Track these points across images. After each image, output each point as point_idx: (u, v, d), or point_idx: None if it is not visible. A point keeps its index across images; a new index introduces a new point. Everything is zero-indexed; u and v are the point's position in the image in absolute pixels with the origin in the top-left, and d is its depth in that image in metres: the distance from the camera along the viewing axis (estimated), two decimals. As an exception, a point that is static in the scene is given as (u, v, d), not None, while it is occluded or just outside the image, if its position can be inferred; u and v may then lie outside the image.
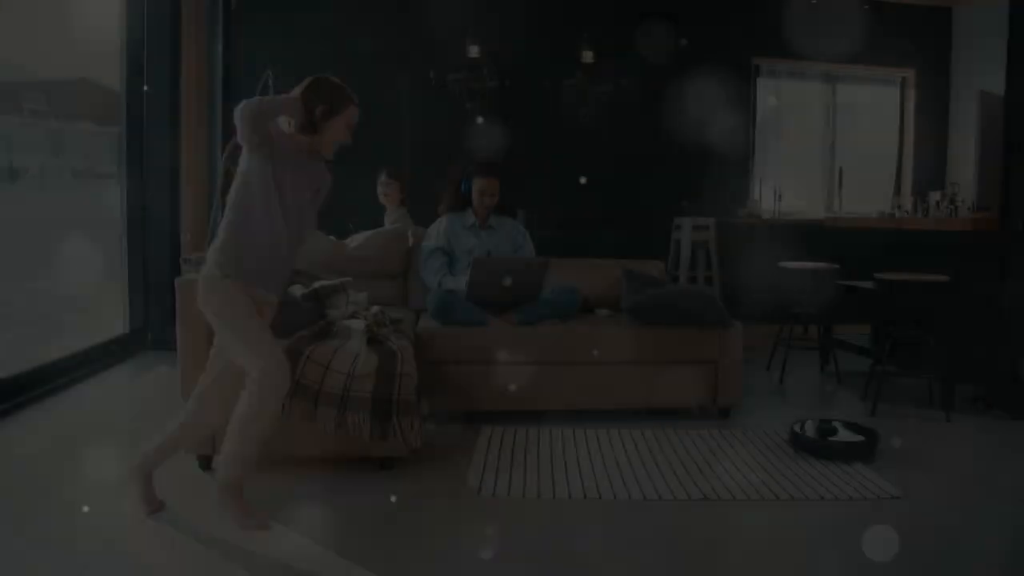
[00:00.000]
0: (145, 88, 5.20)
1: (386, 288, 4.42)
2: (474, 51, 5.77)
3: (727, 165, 6.91)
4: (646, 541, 2.51)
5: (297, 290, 3.46)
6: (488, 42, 5.81)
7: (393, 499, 2.81)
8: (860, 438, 3.41)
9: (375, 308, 3.47)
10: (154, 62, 5.26)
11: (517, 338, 3.85)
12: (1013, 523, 2.76)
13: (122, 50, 5.25)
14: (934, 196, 6.28)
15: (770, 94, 7.15)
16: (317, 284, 3.47)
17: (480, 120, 5.99)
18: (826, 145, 7.24)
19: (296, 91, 2.68)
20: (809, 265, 4.92)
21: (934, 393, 4.31)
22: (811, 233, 6.55)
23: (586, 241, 5.83)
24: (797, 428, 3.49)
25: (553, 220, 6.33)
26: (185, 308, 2.97)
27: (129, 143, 5.30)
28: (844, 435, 3.46)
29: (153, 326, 5.33)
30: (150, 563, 2.30)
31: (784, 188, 7.02)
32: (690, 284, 5.95)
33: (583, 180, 6.36)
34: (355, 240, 4.45)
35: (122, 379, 4.62)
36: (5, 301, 6.80)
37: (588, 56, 5.90)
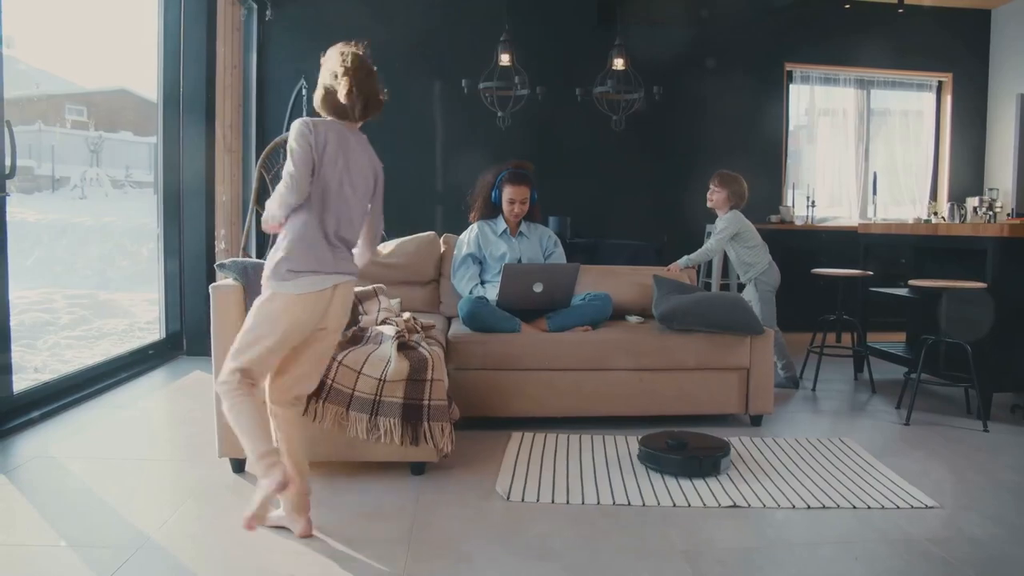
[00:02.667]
0: (180, 95, 5.30)
1: (418, 294, 4.45)
2: (505, 59, 5.79)
3: (759, 171, 6.87)
4: (675, 549, 2.50)
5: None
6: (519, 50, 5.84)
7: (423, 504, 2.83)
8: (702, 454, 3.16)
9: (407, 314, 3.50)
10: (190, 72, 5.36)
11: (548, 344, 3.85)
12: (1052, 534, 2.70)
13: (158, 60, 5.36)
14: (972, 202, 6.20)
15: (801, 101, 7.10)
16: (349, 290, 3.50)
17: (511, 128, 6.01)
18: (860, 151, 7.16)
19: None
20: (842, 272, 4.87)
21: (971, 402, 4.24)
22: (844, 239, 6.49)
23: (617, 249, 5.82)
24: (643, 441, 3.30)
25: (585, 227, 6.35)
26: (219, 313, 3.02)
27: (165, 151, 5.41)
28: (692, 450, 3.19)
29: (189, 332, 5.42)
30: (183, 565, 2.34)
31: (817, 194, 6.96)
32: (722, 291, 5.91)
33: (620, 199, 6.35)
34: (387, 247, 4.49)
35: (156, 385, 4.70)
36: (47, 307, 6.95)
37: (619, 63, 5.90)
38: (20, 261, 8.45)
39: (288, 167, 2.43)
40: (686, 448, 3.20)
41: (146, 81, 5.59)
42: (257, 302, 2.48)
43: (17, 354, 5.51)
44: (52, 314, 6.75)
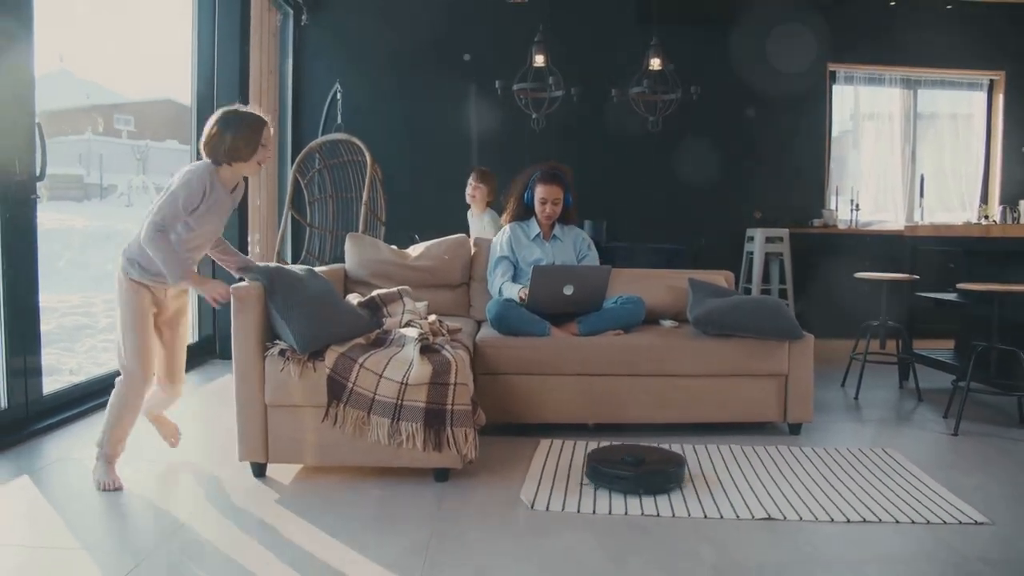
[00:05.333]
0: (215, 100, 5.31)
1: (448, 297, 4.39)
2: (540, 60, 5.72)
3: (802, 174, 6.71)
4: (705, 563, 2.38)
5: (354, 298, 3.46)
6: (554, 51, 5.76)
7: (444, 512, 2.75)
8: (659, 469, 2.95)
9: (432, 317, 3.43)
10: (224, 77, 5.38)
11: (579, 349, 3.76)
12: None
13: (192, 66, 5.38)
14: (1025, 204, 5.95)
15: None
16: (374, 292, 3.45)
17: (545, 130, 5.93)
18: (907, 153, 6.93)
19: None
20: (887, 276, 4.68)
21: (1024, 412, 4.04)
22: (890, 243, 6.28)
23: (653, 253, 5.69)
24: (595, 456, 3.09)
25: (621, 231, 6.23)
26: (241, 315, 2.98)
27: (200, 157, 5.41)
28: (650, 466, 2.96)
29: (221, 336, 5.43)
30: (196, 569, 2.29)
31: (862, 198, 6.76)
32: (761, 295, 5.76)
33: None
34: (416, 249, 4.44)
35: (186, 388, 4.67)
36: (86, 311, 7.05)
37: (656, 63, 5.78)
38: (61, 266, 8.60)
39: None
40: (642, 464, 2.95)
41: (187, 90, 5.63)
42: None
43: (54, 356, 5.59)
44: (91, 318, 6.83)
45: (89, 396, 4.09)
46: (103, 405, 4.03)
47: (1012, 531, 2.65)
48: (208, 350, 5.45)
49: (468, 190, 5.40)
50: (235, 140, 2.90)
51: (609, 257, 4.84)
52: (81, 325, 6.56)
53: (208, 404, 4.42)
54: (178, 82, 6.58)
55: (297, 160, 5.67)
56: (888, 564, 2.40)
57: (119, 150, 12.54)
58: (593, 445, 3.51)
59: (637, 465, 2.93)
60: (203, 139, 2.95)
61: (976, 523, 2.69)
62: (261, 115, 3.01)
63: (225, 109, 2.99)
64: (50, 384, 3.89)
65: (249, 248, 5.56)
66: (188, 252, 2.98)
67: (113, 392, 2.99)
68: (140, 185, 12.18)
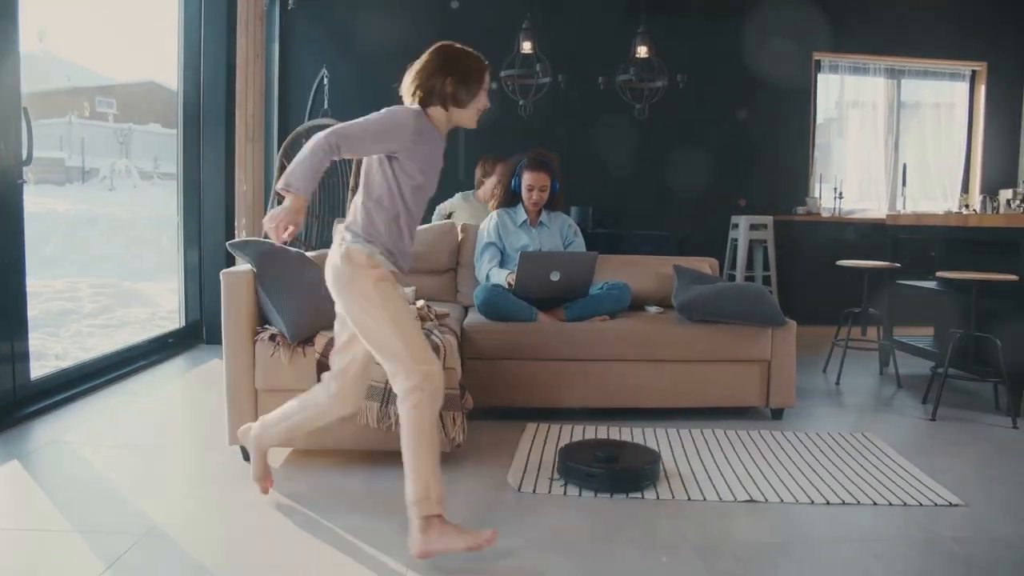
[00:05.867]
0: (201, 84, 5.30)
1: (435, 283, 4.42)
2: (527, 47, 5.73)
3: (786, 162, 6.76)
4: (690, 544, 2.44)
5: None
6: (541, 38, 5.77)
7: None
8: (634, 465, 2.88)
9: (420, 302, 3.46)
10: (210, 61, 5.36)
11: (565, 334, 3.80)
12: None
13: (178, 50, 5.36)
14: (1005, 194, 6.03)
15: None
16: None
17: (533, 117, 5.95)
18: (890, 142, 7.01)
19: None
20: (869, 264, 4.75)
21: (1000, 398, 4.12)
22: (872, 231, 6.36)
23: (639, 239, 5.74)
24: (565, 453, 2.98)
25: (607, 218, 6.27)
26: (231, 300, 3.00)
27: (186, 142, 5.42)
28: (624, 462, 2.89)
29: (208, 321, 5.44)
30: (188, 552, 2.32)
31: (845, 186, 6.83)
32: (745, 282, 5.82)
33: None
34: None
35: (174, 373, 4.71)
36: (71, 296, 7.02)
37: (643, 51, 5.81)
38: (46, 251, 8.55)
39: None
40: (615, 461, 2.87)
41: (173, 73, 5.61)
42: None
43: (39, 342, 5.57)
44: (75, 302, 6.81)
45: (77, 381, 4.10)
46: (92, 390, 4.07)
47: (985, 513, 2.72)
48: (195, 335, 5.45)
49: (489, 186, 5.13)
50: (456, 85, 2.41)
51: (595, 243, 4.88)
52: (66, 310, 6.54)
53: (195, 389, 4.44)
54: (162, 65, 6.55)
55: (283, 145, 5.65)
56: (866, 544, 2.47)
57: (101, 133, 12.42)
58: (579, 429, 3.57)
59: (609, 462, 2.86)
60: (413, 78, 2.45)
61: (951, 505, 2.76)
62: (481, 57, 2.51)
63: (442, 45, 2.50)
64: (37, 369, 3.89)
65: (236, 234, 5.56)
66: (410, 228, 2.50)
67: (405, 419, 2.28)
68: (123, 169, 12.08)
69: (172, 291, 5.81)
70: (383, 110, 2.41)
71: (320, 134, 2.30)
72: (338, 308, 2.46)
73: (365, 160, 2.46)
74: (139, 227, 10.30)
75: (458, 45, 2.51)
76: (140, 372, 4.59)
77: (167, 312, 6.73)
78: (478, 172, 5.28)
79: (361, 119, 2.38)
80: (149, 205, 10.49)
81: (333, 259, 2.39)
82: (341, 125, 2.34)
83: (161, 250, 9.36)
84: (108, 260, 9.35)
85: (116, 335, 6.15)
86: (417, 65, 2.48)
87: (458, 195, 5.33)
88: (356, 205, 2.44)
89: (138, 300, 7.45)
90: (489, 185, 5.19)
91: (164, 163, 11.55)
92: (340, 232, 2.43)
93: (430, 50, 2.50)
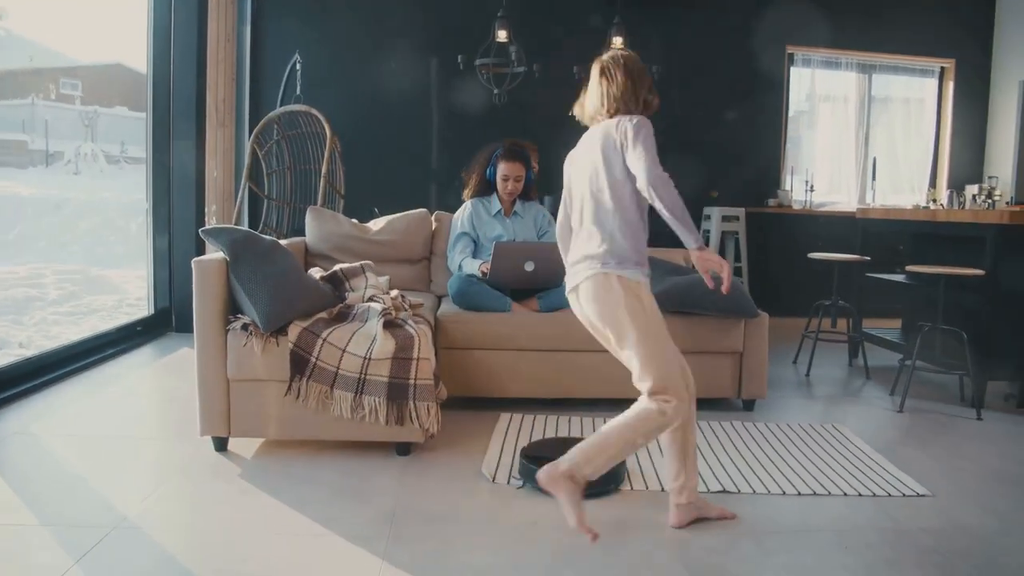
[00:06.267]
0: (171, 67, 5.21)
1: (408, 272, 4.40)
2: (502, 36, 5.70)
3: (758, 154, 6.81)
4: (663, 534, 2.46)
5: (317, 272, 3.45)
6: (517, 26, 5.75)
7: (407, 485, 2.78)
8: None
9: (394, 292, 3.44)
10: (181, 44, 5.27)
11: (539, 324, 3.80)
12: (1045, 524, 2.66)
13: (148, 32, 5.26)
14: (971, 190, 6.13)
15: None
16: (337, 266, 3.45)
17: (507, 106, 5.93)
18: (860, 136, 7.09)
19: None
20: (839, 256, 4.81)
21: (965, 390, 4.20)
22: (842, 224, 6.43)
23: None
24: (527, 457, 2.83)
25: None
26: (203, 288, 2.96)
27: (155, 126, 5.32)
28: None
29: (177, 309, 5.36)
30: (160, 544, 2.29)
31: (816, 179, 6.90)
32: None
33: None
34: (378, 224, 4.43)
35: (142, 362, 4.65)
36: (35, 283, 6.89)
37: (618, 42, 5.80)
38: (9, 236, 8.38)
39: None
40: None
41: (140, 55, 5.50)
42: (629, 309, 2.39)
43: (3, 329, 5.47)
44: (40, 289, 6.68)
45: (43, 370, 4.02)
46: (58, 379, 4.00)
47: (951, 502, 2.77)
48: (164, 322, 5.38)
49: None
50: (648, 92, 2.56)
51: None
52: (31, 297, 6.41)
53: (165, 378, 4.38)
54: (129, 46, 6.41)
55: (255, 131, 5.59)
56: (836, 534, 2.50)
57: (66, 116, 12.17)
58: (552, 419, 3.58)
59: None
60: (615, 93, 2.53)
61: (918, 495, 2.81)
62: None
63: (614, 55, 2.59)
64: (0, 358, 3.81)
65: (206, 220, 5.49)
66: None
67: (636, 415, 2.38)
68: (89, 153, 11.86)
69: (140, 278, 5.73)
70: (641, 129, 2.43)
71: (662, 189, 2.36)
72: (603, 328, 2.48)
73: (608, 185, 2.48)
74: (106, 212, 10.13)
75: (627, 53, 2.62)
76: (108, 361, 4.51)
77: (135, 299, 6.63)
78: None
79: (642, 147, 2.40)
80: (116, 190, 10.32)
81: (611, 290, 2.41)
82: (647, 167, 2.38)
83: (129, 236, 9.22)
84: (74, 246, 9.18)
85: (83, 323, 6.05)
86: (620, 79, 2.54)
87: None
88: (607, 231, 2.45)
89: (105, 287, 7.32)
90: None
91: (131, 147, 11.34)
92: (596, 258, 2.44)
93: (618, 65, 2.56)
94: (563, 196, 2.71)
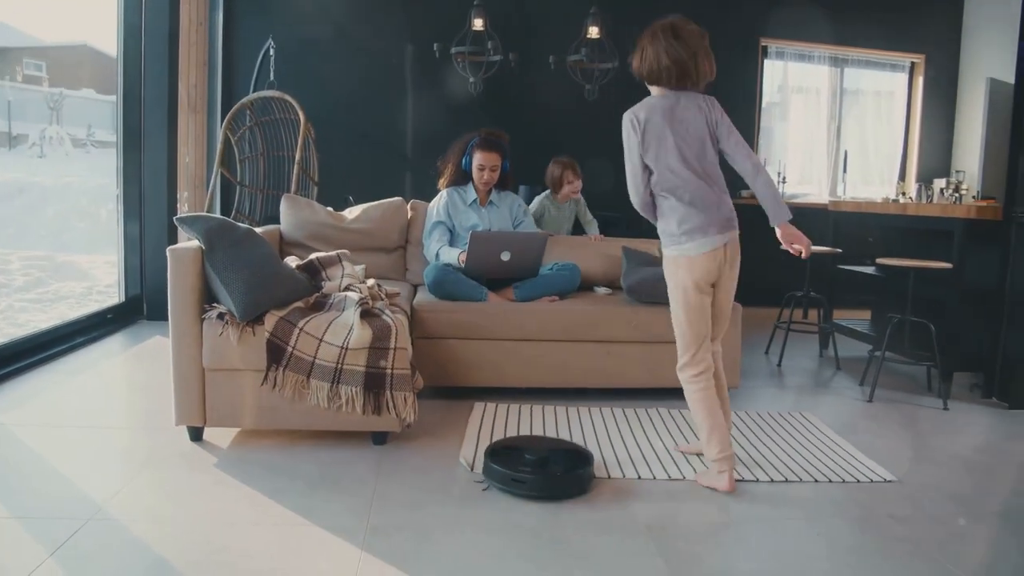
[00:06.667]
0: (143, 51, 5.13)
1: (384, 261, 4.39)
2: (479, 24, 5.68)
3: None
4: (639, 523, 2.49)
5: (293, 260, 3.43)
6: (493, 15, 5.73)
7: (384, 474, 2.79)
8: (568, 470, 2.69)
9: (371, 281, 3.43)
10: (152, 28, 5.19)
11: (515, 314, 3.81)
12: (1006, 510, 2.73)
13: (118, 14, 5.17)
14: (939, 183, 6.22)
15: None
16: (313, 255, 3.43)
17: (483, 95, 5.92)
18: (832, 128, 7.17)
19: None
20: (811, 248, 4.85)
21: (932, 380, 4.29)
22: (814, 217, 6.50)
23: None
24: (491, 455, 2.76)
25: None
26: (178, 277, 2.93)
27: (126, 111, 5.24)
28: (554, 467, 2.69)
29: (149, 296, 5.30)
30: (136, 536, 2.28)
31: (788, 171, 6.97)
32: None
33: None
34: (353, 212, 4.41)
35: (114, 350, 4.59)
36: (2, 269, 6.76)
37: (594, 32, 5.81)
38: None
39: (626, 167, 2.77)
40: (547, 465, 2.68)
41: (109, 37, 5.41)
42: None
43: (-32, 316, 5.37)
44: (6, 276, 6.56)
45: (10, 359, 3.97)
46: (26, 368, 3.94)
47: (917, 488, 2.84)
48: (136, 310, 5.31)
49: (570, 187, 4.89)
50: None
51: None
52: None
53: (137, 367, 4.33)
54: (96, 27, 6.29)
55: (228, 116, 5.52)
56: (806, 520, 2.55)
57: (30, 97, 11.91)
58: (526, 408, 3.60)
59: (538, 467, 2.66)
60: (708, 72, 2.83)
61: (885, 481, 2.88)
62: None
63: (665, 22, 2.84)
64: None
65: (178, 207, 5.42)
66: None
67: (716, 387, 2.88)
68: (54, 136, 11.63)
69: (110, 264, 5.64)
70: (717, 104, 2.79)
71: (762, 169, 2.80)
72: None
73: (713, 157, 2.79)
74: (72, 197, 9.95)
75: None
76: (78, 349, 4.45)
77: (105, 287, 6.54)
78: (556, 172, 4.89)
79: (730, 125, 2.80)
80: (83, 174, 10.13)
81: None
82: (745, 146, 2.78)
83: (97, 222, 9.07)
84: (40, 232, 9.02)
85: (51, 310, 5.95)
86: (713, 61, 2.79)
87: (543, 197, 5.06)
88: (722, 197, 2.80)
89: (73, 274, 7.21)
90: (568, 190, 4.87)
91: (98, 130, 11.14)
92: (734, 219, 2.88)
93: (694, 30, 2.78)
94: (649, 151, 2.75)
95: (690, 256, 2.74)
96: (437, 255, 4.11)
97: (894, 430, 3.59)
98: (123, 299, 5.29)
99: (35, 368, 4.01)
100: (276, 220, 4.38)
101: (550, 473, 2.65)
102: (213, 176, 5.50)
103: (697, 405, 2.80)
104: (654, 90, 2.83)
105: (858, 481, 2.87)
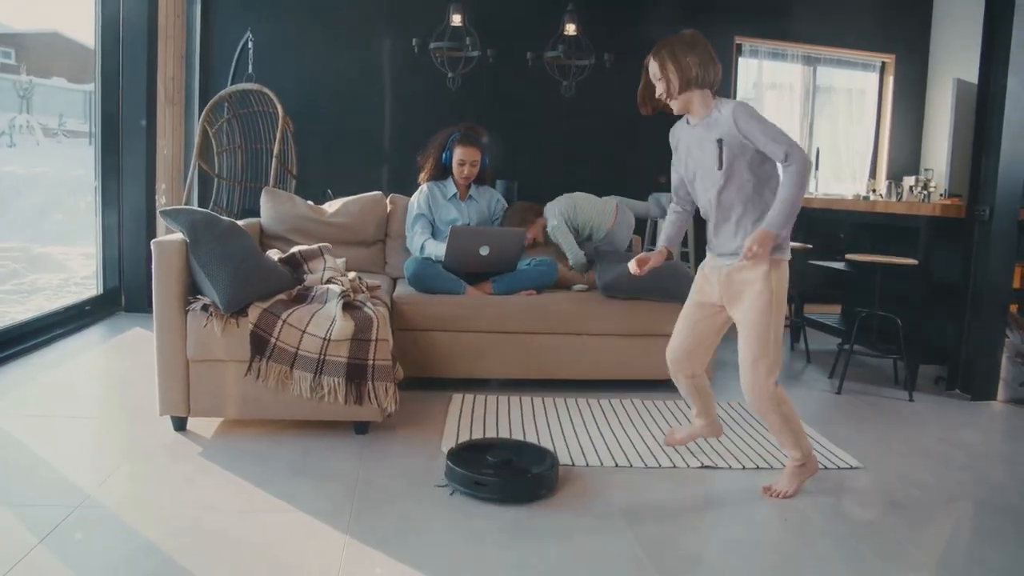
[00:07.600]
0: (121, 42, 5.11)
1: (363, 254, 4.43)
2: (457, 20, 5.72)
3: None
4: (615, 508, 2.56)
5: (275, 253, 3.47)
6: (471, 11, 5.78)
7: (366, 463, 2.84)
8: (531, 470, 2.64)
9: (352, 274, 3.48)
10: (130, 18, 5.17)
11: (493, 307, 3.88)
12: (968, 496, 2.85)
13: (96, 5, 5.15)
14: (908, 181, 6.37)
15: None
16: (295, 248, 3.47)
17: (461, 90, 5.96)
18: (804, 126, 7.30)
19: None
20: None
21: (899, 373, 4.41)
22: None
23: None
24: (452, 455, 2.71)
25: (532, 192, 6.34)
26: (162, 269, 2.96)
27: (104, 101, 5.23)
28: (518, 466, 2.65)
29: (127, 288, 5.30)
30: (123, 523, 2.32)
31: (761, 167, 7.07)
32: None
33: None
34: (332, 206, 4.45)
35: (93, 342, 4.60)
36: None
37: (571, 29, 5.88)
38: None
39: None
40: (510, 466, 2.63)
41: (81, 25, 5.38)
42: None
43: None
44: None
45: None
46: (8, 359, 3.96)
47: (880, 474, 2.96)
48: (114, 302, 5.31)
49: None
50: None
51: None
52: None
53: (116, 359, 4.34)
54: (67, 14, 6.25)
55: (205, 109, 5.52)
56: (776, 505, 2.65)
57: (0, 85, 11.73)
58: (503, 399, 3.66)
59: (501, 468, 2.61)
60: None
61: (851, 467, 2.99)
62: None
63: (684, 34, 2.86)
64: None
65: (156, 198, 5.42)
66: None
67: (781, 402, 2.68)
68: (24, 125, 11.46)
69: (85, 256, 5.63)
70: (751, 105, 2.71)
71: (797, 170, 2.68)
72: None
73: (738, 168, 2.75)
74: (45, 188, 9.85)
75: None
76: (56, 341, 4.45)
77: (82, 278, 6.51)
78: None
79: (762, 124, 2.67)
80: (55, 165, 10.02)
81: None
82: (789, 142, 2.66)
83: (72, 213, 8.99)
84: (12, 223, 8.92)
85: (27, 302, 5.92)
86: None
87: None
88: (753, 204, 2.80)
89: (49, 265, 7.15)
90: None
91: (70, 120, 11.00)
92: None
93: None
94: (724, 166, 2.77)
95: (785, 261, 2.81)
96: (422, 247, 4.16)
97: (861, 420, 3.70)
98: (101, 291, 5.28)
99: (14, 360, 4.01)
100: (254, 213, 4.41)
101: (515, 474, 2.59)
102: (191, 168, 5.50)
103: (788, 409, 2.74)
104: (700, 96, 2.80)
105: (825, 467, 2.97)
